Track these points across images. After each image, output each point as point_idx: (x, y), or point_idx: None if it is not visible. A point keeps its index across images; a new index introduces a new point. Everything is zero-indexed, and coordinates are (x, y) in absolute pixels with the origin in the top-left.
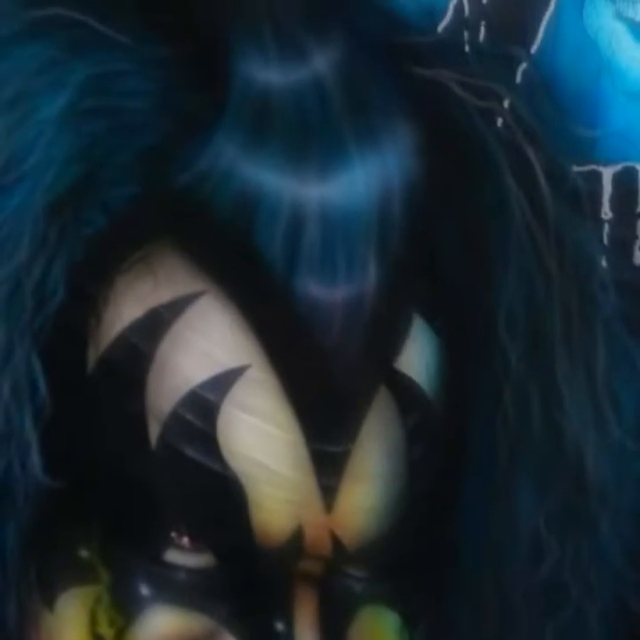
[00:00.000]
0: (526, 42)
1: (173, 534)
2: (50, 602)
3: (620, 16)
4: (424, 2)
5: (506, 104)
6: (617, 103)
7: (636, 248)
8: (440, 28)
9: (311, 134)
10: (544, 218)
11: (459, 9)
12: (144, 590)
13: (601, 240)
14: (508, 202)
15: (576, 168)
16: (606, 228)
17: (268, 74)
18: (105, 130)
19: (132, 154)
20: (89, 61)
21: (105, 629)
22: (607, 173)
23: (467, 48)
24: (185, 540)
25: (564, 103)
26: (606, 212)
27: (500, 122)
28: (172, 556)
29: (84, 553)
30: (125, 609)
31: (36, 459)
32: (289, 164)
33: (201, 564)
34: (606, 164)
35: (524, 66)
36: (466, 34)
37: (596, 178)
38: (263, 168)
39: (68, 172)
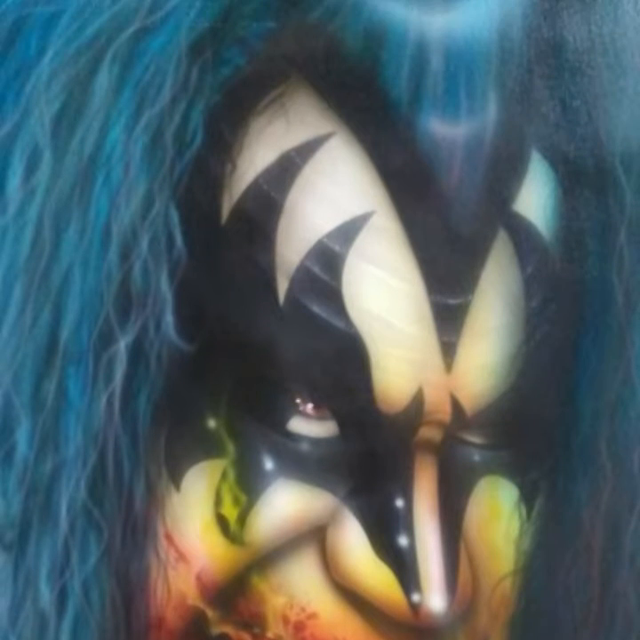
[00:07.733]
0: None
1: (298, 401)
2: (177, 479)
3: None
4: None
5: None
6: None
7: None
8: None
9: None
10: None
11: None
12: (268, 464)
13: None
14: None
15: None
16: None
17: None
18: None
19: None
20: None
21: (229, 510)
22: None
23: None
24: (309, 407)
25: None
26: None
27: None
28: (296, 425)
29: (211, 423)
30: (250, 484)
31: (170, 318)
32: None
33: (324, 433)
34: None
35: None
36: None
37: None
38: None
39: (209, 8)
